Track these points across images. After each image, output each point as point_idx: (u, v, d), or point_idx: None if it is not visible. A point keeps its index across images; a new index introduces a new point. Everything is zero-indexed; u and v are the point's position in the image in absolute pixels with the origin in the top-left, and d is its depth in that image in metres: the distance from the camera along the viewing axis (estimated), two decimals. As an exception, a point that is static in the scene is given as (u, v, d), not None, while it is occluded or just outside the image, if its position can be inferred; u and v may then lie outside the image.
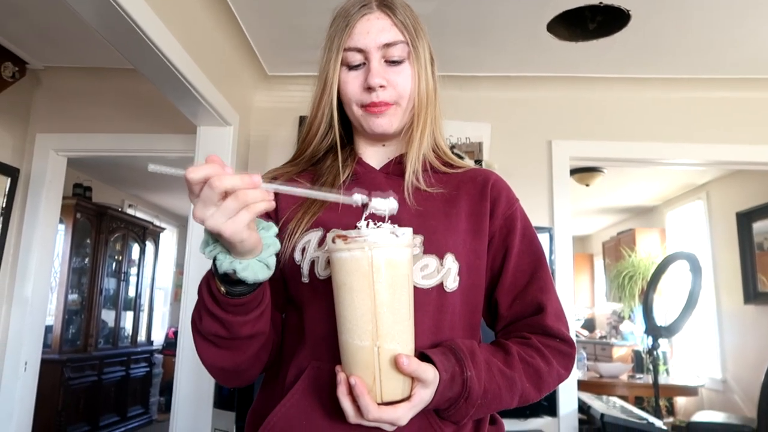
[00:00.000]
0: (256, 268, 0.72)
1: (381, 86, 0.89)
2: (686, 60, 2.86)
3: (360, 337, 0.70)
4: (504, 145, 3.01)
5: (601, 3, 2.37)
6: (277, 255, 0.77)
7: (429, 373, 0.71)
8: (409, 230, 0.73)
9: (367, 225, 0.72)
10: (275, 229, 0.76)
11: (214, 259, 0.72)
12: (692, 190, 5.51)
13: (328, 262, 0.86)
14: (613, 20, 2.49)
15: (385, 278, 0.70)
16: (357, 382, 0.69)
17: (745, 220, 4.63)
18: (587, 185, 4.67)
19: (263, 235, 0.74)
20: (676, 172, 4.92)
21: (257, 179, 0.66)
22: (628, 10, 2.41)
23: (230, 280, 0.73)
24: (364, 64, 0.90)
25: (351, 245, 0.69)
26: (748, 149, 3.01)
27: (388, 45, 0.89)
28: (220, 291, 0.74)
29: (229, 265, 0.70)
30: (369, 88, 0.89)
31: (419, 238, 0.86)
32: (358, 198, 0.74)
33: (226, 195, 0.64)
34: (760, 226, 4.49)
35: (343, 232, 0.70)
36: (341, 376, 0.71)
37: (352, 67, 0.91)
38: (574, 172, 4.41)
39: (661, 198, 6.01)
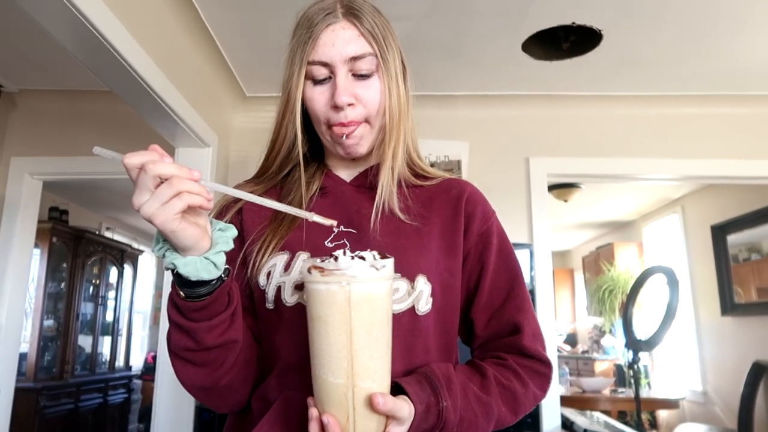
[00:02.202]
0: (199, 266, 0.68)
1: (349, 104, 0.84)
2: (658, 77, 2.93)
3: (334, 373, 0.66)
4: (482, 163, 3.04)
5: (573, 23, 2.42)
6: (248, 278, 0.72)
7: (405, 410, 0.69)
8: (391, 261, 0.69)
9: (344, 253, 0.67)
10: (233, 231, 0.73)
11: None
12: (668, 204, 5.60)
13: (296, 288, 0.83)
14: (586, 40, 2.55)
15: (363, 314, 0.66)
16: (330, 422, 0.65)
17: (720, 233, 4.71)
18: (566, 201, 4.72)
19: (217, 234, 0.71)
20: (652, 186, 5.01)
21: (197, 173, 0.65)
22: (599, 30, 2.46)
23: (189, 283, 0.70)
24: (330, 78, 0.85)
25: (328, 278, 0.65)
26: (721, 163, 3.08)
27: (355, 58, 0.84)
28: (180, 296, 0.71)
29: (171, 260, 0.68)
30: (336, 107, 0.84)
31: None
32: (306, 215, 0.71)
33: (162, 182, 0.63)
34: (734, 239, 4.57)
35: (320, 263, 0.66)
36: (313, 412, 0.68)
37: (317, 82, 0.86)
38: (552, 188, 4.46)
39: (638, 212, 6.11)
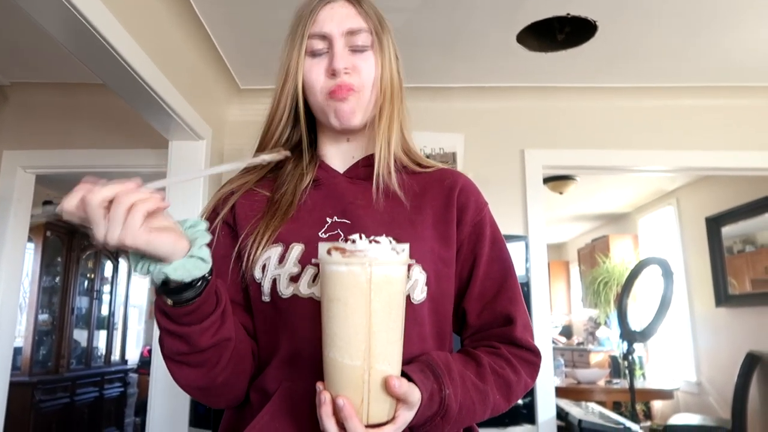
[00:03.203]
0: (189, 266, 0.68)
1: (345, 70, 0.87)
2: (653, 69, 2.93)
3: (351, 356, 0.66)
4: (477, 155, 3.03)
5: (568, 14, 2.41)
6: (244, 276, 0.72)
7: (416, 395, 0.69)
8: (407, 246, 0.69)
9: (360, 237, 0.68)
10: (203, 224, 0.72)
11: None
12: (663, 197, 5.62)
13: (291, 280, 0.84)
14: (581, 31, 2.54)
15: (382, 297, 0.66)
16: (345, 404, 0.65)
17: (714, 224, 4.73)
18: (561, 193, 4.73)
19: (191, 232, 0.71)
20: (647, 178, 5.02)
21: (136, 181, 0.64)
22: (594, 21, 2.46)
23: (175, 289, 0.69)
24: (328, 51, 0.88)
25: (350, 259, 0.65)
26: (715, 155, 3.08)
27: (352, 32, 0.88)
28: (167, 305, 0.71)
29: (160, 271, 0.67)
30: (333, 73, 0.87)
31: None
32: (266, 157, 0.72)
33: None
34: (728, 231, 4.59)
35: (340, 245, 0.66)
36: (325, 396, 0.67)
37: (315, 56, 0.89)
38: (547, 180, 4.46)
39: (633, 205, 6.12)
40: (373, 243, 0.67)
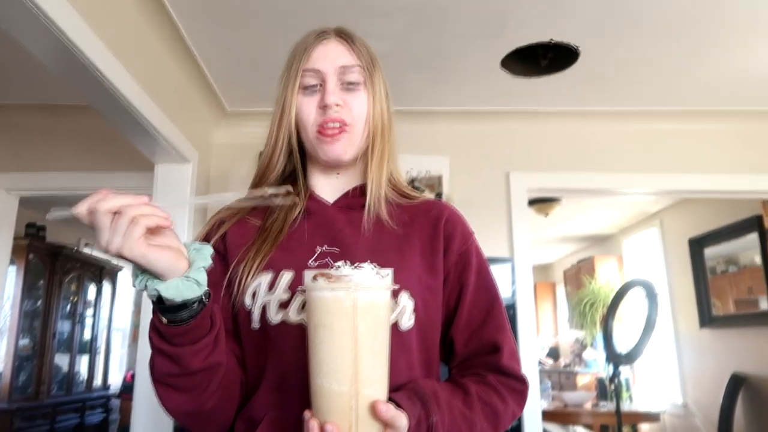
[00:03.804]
0: (182, 286, 0.68)
1: (336, 105, 0.88)
2: (634, 94, 2.98)
3: (338, 381, 0.66)
4: (463, 178, 3.06)
5: (551, 40, 2.46)
6: (234, 303, 0.73)
7: (403, 420, 0.69)
8: (390, 271, 0.71)
9: (345, 263, 0.69)
10: (209, 249, 0.74)
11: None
12: (647, 218, 5.68)
13: (281, 306, 0.84)
14: (564, 57, 2.59)
15: (368, 321, 0.67)
16: (333, 430, 0.65)
17: (697, 246, 4.78)
18: (546, 215, 4.76)
19: (193, 254, 0.72)
20: (631, 201, 5.07)
21: (145, 198, 0.66)
22: (577, 47, 2.51)
23: (171, 308, 0.70)
24: (321, 87, 0.90)
25: (335, 285, 0.66)
26: (697, 178, 3.13)
27: (344, 68, 0.90)
28: (162, 322, 0.71)
29: (153, 287, 0.68)
30: (324, 107, 0.88)
31: None
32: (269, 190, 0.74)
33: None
34: (711, 252, 4.64)
35: (326, 271, 0.68)
36: (313, 424, 0.67)
37: (307, 91, 0.91)
38: (532, 202, 4.50)
39: (618, 226, 6.18)
40: (356, 268, 0.68)
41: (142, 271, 0.69)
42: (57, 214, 0.66)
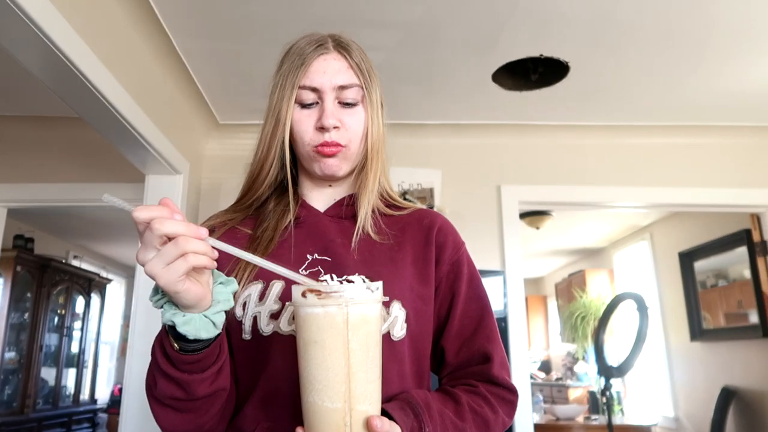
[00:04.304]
0: (199, 324, 0.67)
1: (335, 127, 0.87)
2: (624, 108, 3.01)
3: (331, 398, 0.65)
4: (454, 191, 3.06)
5: (541, 55, 2.48)
6: (226, 313, 0.73)
7: None
8: (380, 284, 0.69)
9: (331, 278, 0.68)
10: (235, 286, 0.72)
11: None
12: (637, 232, 5.71)
13: (271, 317, 0.83)
14: (554, 71, 2.62)
15: (359, 336, 0.66)
16: None
17: (687, 259, 4.81)
18: (537, 228, 4.77)
19: (218, 290, 0.70)
20: (621, 214, 5.10)
21: (203, 232, 0.64)
22: (567, 62, 2.53)
23: (184, 337, 0.69)
24: (317, 103, 0.89)
25: (326, 301, 0.65)
26: (687, 192, 3.16)
27: (343, 87, 0.89)
28: (173, 347, 0.70)
29: (170, 317, 0.67)
30: (322, 128, 0.87)
31: None
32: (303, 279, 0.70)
33: (168, 241, 0.63)
34: (701, 265, 4.67)
35: (315, 286, 0.66)
36: None
37: (304, 106, 0.89)
38: (524, 215, 4.51)
39: (609, 239, 6.20)
40: (345, 283, 0.67)
41: (164, 293, 0.67)
42: (114, 200, 0.63)
